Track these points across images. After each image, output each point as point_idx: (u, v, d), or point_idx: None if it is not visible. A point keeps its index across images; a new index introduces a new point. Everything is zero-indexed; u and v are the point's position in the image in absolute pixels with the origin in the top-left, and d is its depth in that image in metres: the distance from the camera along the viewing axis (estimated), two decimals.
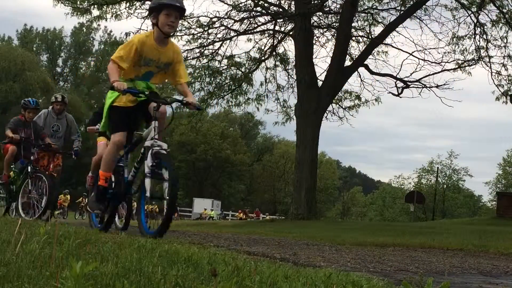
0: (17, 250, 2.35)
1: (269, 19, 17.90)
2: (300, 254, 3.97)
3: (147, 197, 4.68)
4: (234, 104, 18.69)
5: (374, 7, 17.75)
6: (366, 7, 17.85)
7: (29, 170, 8.04)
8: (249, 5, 17.52)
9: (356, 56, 17.62)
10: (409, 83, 17.67)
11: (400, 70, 17.84)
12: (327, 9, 17.72)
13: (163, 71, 4.90)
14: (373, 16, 17.86)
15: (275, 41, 18.20)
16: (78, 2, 16.35)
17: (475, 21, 17.11)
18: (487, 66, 17.19)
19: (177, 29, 17.06)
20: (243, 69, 18.08)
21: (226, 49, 18.03)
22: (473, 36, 17.22)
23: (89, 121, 8.29)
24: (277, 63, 18.66)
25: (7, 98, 48.97)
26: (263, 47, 18.20)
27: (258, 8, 17.76)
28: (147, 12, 6.93)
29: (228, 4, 17.31)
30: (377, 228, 11.88)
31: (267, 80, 18.63)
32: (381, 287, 2.25)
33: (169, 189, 4.44)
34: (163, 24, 4.68)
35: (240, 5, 17.38)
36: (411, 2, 16.90)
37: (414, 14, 17.05)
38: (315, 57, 17.36)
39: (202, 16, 17.02)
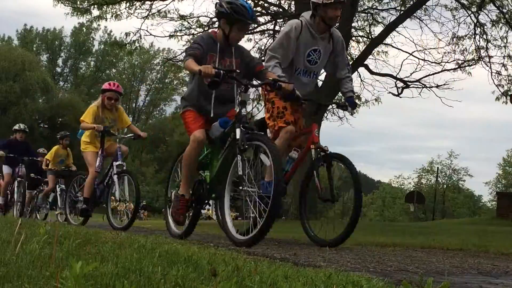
0: (17, 250, 2.36)
1: (269, 19, 17.90)
2: (300, 254, 3.97)
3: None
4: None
5: (374, 7, 17.76)
6: (366, 7, 17.86)
7: (237, 136, 4.22)
8: None
9: (356, 56, 17.61)
10: (409, 83, 17.67)
11: (400, 70, 17.85)
12: None
13: None
14: (373, 16, 17.87)
15: None
16: (78, 2, 16.36)
17: (475, 21, 17.11)
18: (487, 66, 17.20)
19: (177, 29, 17.18)
20: None
21: None
22: (473, 36, 17.23)
23: None
24: None
25: (7, 98, 48.95)
26: (263, 47, 18.19)
27: (258, 8, 17.76)
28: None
29: None
30: (377, 228, 11.88)
31: None
32: (381, 287, 2.25)
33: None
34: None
35: None
36: (411, 2, 16.90)
37: (414, 14, 17.04)
38: None
39: (202, 16, 17.05)
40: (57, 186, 11.49)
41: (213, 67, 4.20)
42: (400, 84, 17.75)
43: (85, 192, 7.15)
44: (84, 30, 59.18)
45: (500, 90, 17.27)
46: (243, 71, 4.65)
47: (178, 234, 5.01)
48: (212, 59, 4.59)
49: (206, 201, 4.98)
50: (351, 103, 5.18)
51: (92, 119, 7.12)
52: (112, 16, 16.53)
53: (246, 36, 17.98)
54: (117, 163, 6.85)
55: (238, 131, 4.24)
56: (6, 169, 10.85)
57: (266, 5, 17.72)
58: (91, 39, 61.49)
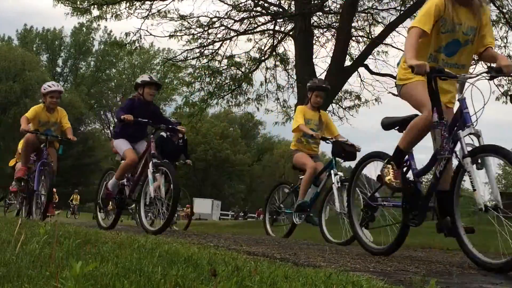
0: (17, 250, 2.35)
1: (269, 19, 17.90)
2: (300, 254, 3.97)
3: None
4: (234, 104, 18.70)
5: (374, 7, 17.75)
6: (366, 7, 17.85)
7: None
8: (249, 5, 17.54)
9: (356, 56, 17.62)
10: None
11: None
12: (327, 9, 17.73)
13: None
14: (373, 16, 17.85)
15: (275, 41, 18.20)
16: (78, 2, 16.36)
17: None
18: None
19: (177, 29, 17.19)
20: (243, 69, 18.08)
21: (226, 49, 18.04)
22: None
23: None
24: (277, 63, 18.66)
25: (7, 98, 48.97)
26: (263, 47, 18.20)
27: (258, 8, 17.77)
28: None
29: (228, 4, 17.34)
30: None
31: (267, 80, 18.64)
32: (381, 287, 2.25)
33: None
34: None
35: (240, 5, 17.40)
36: (411, 2, 16.89)
37: (414, 14, 17.03)
38: (315, 57, 17.37)
39: (202, 16, 17.06)
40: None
41: None
42: None
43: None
44: (84, 30, 59.18)
45: (500, 90, 17.26)
46: None
47: None
48: None
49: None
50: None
51: None
52: (112, 16, 16.53)
53: (246, 36, 18.02)
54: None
55: None
56: (122, 143, 6.43)
57: (266, 5, 17.73)
58: (91, 39, 61.52)
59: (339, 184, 5.99)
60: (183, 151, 9.34)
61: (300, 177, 6.57)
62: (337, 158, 6.31)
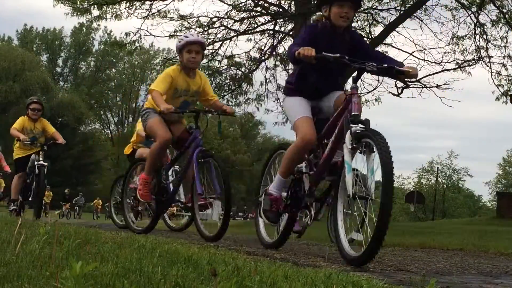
0: (17, 250, 2.35)
1: (269, 19, 17.90)
2: (300, 254, 3.97)
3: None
4: (234, 104, 18.69)
5: (374, 7, 17.74)
6: (366, 7, 17.84)
7: None
8: (249, 5, 17.53)
9: None
10: (409, 83, 17.67)
11: None
12: None
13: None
14: (373, 16, 17.85)
15: (275, 41, 18.20)
16: (78, 2, 16.36)
17: (475, 21, 17.11)
18: (487, 66, 17.20)
19: (177, 29, 17.15)
20: (243, 69, 18.08)
21: (226, 49, 18.03)
22: (473, 36, 17.23)
23: None
24: (277, 63, 18.66)
25: (7, 98, 48.95)
26: (263, 47, 18.19)
27: (258, 8, 17.76)
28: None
29: (228, 4, 17.33)
30: None
31: (267, 80, 18.63)
32: (381, 287, 2.25)
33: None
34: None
35: (240, 5, 17.39)
36: (411, 2, 16.89)
37: (414, 14, 17.04)
38: None
39: (202, 16, 17.04)
40: None
41: None
42: (400, 84, 17.75)
43: None
44: (84, 30, 59.22)
45: (500, 90, 17.28)
46: None
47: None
48: None
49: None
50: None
51: None
52: (112, 16, 16.53)
53: (246, 36, 17.99)
54: None
55: None
56: (296, 104, 4.01)
57: (266, 5, 17.72)
58: (91, 39, 61.55)
59: None
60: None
61: None
62: None
